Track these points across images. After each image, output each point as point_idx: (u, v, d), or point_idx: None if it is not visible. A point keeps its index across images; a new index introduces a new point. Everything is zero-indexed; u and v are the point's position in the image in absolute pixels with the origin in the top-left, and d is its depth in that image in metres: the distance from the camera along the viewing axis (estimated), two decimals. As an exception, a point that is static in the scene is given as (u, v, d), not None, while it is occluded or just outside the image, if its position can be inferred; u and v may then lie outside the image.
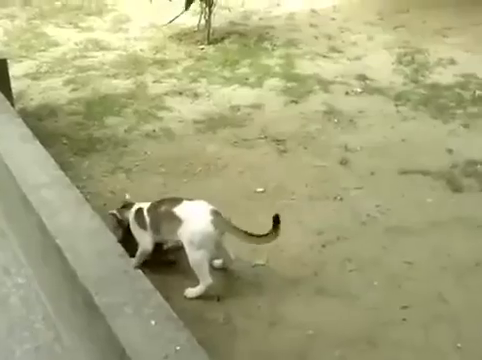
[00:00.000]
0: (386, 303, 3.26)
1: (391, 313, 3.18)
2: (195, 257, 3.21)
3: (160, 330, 2.28)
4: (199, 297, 3.26)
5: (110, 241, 2.76)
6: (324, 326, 3.11)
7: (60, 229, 2.84)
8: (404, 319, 3.14)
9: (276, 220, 3.27)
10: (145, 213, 3.29)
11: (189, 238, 3.19)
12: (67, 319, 2.95)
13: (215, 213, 3.22)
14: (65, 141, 4.94)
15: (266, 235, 3.27)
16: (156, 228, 3.27)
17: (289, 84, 5.92)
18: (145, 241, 3.31)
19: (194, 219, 3.20)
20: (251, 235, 3.26)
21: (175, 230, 3.20)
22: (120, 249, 2.69)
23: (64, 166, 3.44)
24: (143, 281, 2.55)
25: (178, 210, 3.20)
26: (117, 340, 2.25)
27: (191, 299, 3.25)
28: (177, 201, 3.26)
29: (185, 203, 3.25)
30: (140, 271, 2.60)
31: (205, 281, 3.26)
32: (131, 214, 3.37)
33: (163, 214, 3.24)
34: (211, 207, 3.24)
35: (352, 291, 3.35)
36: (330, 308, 3.23)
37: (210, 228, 3.17)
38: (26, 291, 3.33)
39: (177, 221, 3.19)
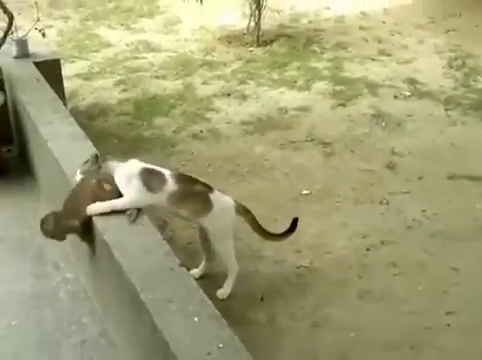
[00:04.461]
0: (431, 308, 3.24)
1: (435, 318, 3.16)
2: (225, 245, 3.25)
3: (203, 327, 2.32)
4: (242, 297, 3.29)
5: (157, 238, 2.81)
6: (367, 329, 3.11)
7: (108, 225, 2.91)
8: (448, 325, 3.12)
9: (294, 224, 3.35)
10: (168, 178, 3.05)
11: (219, 227, 3.20)
12: (113, 314, 3.01)
13: (237, 203, 3.28)
14: (115, 140, 5.04)
15: (278, 235, 3.37)
16: (177, 200, 3.06)
17: (337, 87, 5.90)
18: (142, 201, 2.98)
19: (225, 208, 3.21)
20: (265, 230, 3.34)
21: (200, 214, 3.15)
22: (166, 247, 2.74)
23: (113, 165, 3.50)
24: (188, 279, 2.59)
25: (211, 196, 3.16)
26: (161, 336, 2.30)
27: (226, 299, 3.27)
28: (208, 186, 3.21)
29: (215, 191, 3.21)
30: (185, 269, 2.64)
31: (234, 269, 3.30)
32: (126, 169, 3.05)
33: (195, 192, 3.14)
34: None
35: (396, 295, 3.34)
36: (374, 311, 3.23)
37: (235, 216, 3.24)
38: (74, 286, 3.41)
39: (207, 206, 3.14)
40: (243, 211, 3.30)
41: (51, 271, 3.52)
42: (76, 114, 4.26)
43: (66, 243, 3.51)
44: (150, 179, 3.01)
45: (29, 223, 3.89)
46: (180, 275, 2.59)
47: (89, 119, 5.39)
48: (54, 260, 3.60)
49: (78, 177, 2.98)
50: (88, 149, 3.63)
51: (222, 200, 3.23)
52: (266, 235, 3.38)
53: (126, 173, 3.01)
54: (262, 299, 3.32)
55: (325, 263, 3.58)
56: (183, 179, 3.14)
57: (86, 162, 3.07)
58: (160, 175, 3.05)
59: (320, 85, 5.98)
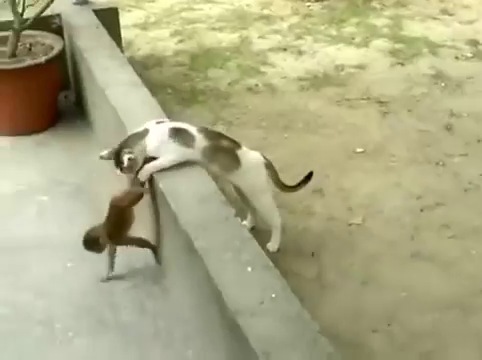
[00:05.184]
0: (483, 272, 3.20)
1: (488, 282, 3.12)
2: (262, 201, 3.23)
3: (256, 277, 2.33)
4: (292, 251, 3.30)
5: (212, 188, 2.82)
6: (417, 290, 3.08)
7: (163, 173, 2.93)
8: (501, 290, 3.08)
9: (308, 177, 3.33)
10: (196, 133, 3.03)
11: (250, 184, 3.18)
12: (166, 261, 3.05)
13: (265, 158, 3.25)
14: (169, 91, 5.05)
15: (292, 186, 3.35)
16: (209, 156, 3.03)
17: (396, 45, 5.77)
18: (180, 158, 2.99)
19: (253, 164, 3.17)
20: (284, 184, 3.32)
21: (229, 170, 3.11)
22: (222, 196, 2.75)
23: (168, 115, 3.50)
24: (242, 229, 2.61)
25: (239, 152, 3.12)
26: (214, 284, 2.32)
27: (277, 251, 3.28)
28: (235, 142, 3.16)
29: (243, 148, 3.17)
30: (239, 219, 2.66)
31: (278, 222, 3.29)
32: (156, 134, 3.01)
33: (224, 148, 3.10)
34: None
35: (448, 258, 3.30)
36: (425, 273, 3.20)
37: (265, 172, 3.21)
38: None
39: (235, 162, 3.10)
40: (268, 165, 3.25)
41: (105, 216, 3.58)
42: (132, 64, 4.25)
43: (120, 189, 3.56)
44: (181, 137, 3.01)
45: (84, 168, 3.97)
46: (235, 225, 2.60)
47: (144, 69, 5.40)
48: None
49: (126, 158, 2.96)
50: (145, 97, 3.66)
51: (250, 156, 3.18)
52: (288, 188, 3.36)
53: (158, 136, 3.01)
54: (313, 255, 3.32)
55: (377, 222, 3.55)
56: (211, 134, 3.12)
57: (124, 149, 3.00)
58: (188, 132, 3.04)
59: (379, 43, 5.86)
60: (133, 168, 2.95)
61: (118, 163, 2.97)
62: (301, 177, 3.36)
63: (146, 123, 3.09)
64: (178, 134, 3.00)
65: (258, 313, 2.17)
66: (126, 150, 2.94)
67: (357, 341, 2.80)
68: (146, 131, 3.01)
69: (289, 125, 4.53)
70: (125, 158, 2.91)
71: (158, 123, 3.11)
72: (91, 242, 3.03)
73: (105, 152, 3.06)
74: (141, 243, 3.13)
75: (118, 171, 2.99)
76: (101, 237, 3.01)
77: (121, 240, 3.06)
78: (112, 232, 3.01)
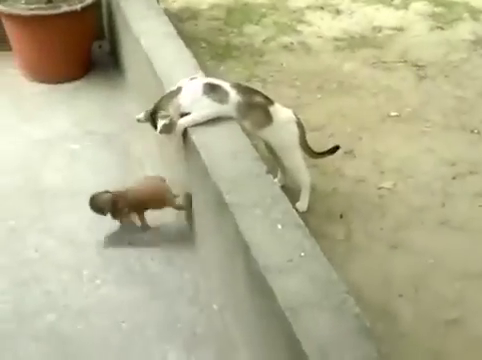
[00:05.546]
0: (514, 243, 3.15)
1: (518, 253, 3.08)
2: (292, 159, 3.22)
3: (286, 235, 2.31)
4: (321, 212, 3.28)
5: (245, 143, 2.80)
6: (446, 257, 3.05)
7: (196, 127, 2.91)
8: None
9: (333, 150, 3.32)
10: (229, 89, 3.00)
11: (281, 141, 3.16)
12: (197, 213, 3.05)
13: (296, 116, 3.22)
14: (203, 45, 5.00)
15: (315, 152, 3.31)
16: (242, 112, 3.00)
17: (436, 9, 5.64)
18: (210, 110, 2.96)
19: (285, 121, 3.14)
20: (310, 148, 3.28)
21: (261, 126, 3.08)
22: (254, 153, 2.73)
23: (201, 69, 3.47)
24: (273, 186, 2.58)
25: (271, 109, 3.09)
26: (243, 239, 2.30)
27: (306, 211, 3.25)
28: (268, 98, 3.12)
29: (275, 104, 3.13)
30: (271, 176, 2.63)
31: (307, 181, 3.27)
32: (190, 90, 2.98)
33: (257, 104, 3.06)
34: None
35: (478, 227, 3.25)
36: (454, 240, 3.16)
37: (296, 129, 3.18)
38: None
39: (267, 119, 3.07)
40: (299, 124, 3.21)
41: (135, 167, 3.58)
42: (166, 16, 4.22)
43: (152, 141, 3.56)
44: (215, 92, 2.97)
45: (117, 118, 3.97)
46: (266, 181, 2.57)
47: (179, 22, 5.33)
48: (139, 156, 3.66)
49: (160, 124, 2.93)
50: (180, 49, 3.62)
51: (282, 113, 3.14)
52: (311, 153, 3.31)
53: (192, 92, 2.97)
54: (341, 216, 3.29)
55: (408, 187, 3.51)
56: (244, 90, 3.07)
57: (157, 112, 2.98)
58: (222, 87, 3.00)
59: (418, 5, 5.72)
60: (171, 129, 2.93)
61: (155, 125, 2.96)
62: (330, 143, 3.35)
63: (180, 81, 3.06)
64: (212, 90, 2.97)
65: (286, 270, 2.15)
66: (161, 113, 2.92)
67: (383, 305, 2.79)
68: (179, 89, 2.98)
69: (323, 85, 4.47)
70: (159, 124, 2.89)
71: (192, 79, 3.08)
72: (96, 208, 3.09)
73: (141, 115, 3.03)
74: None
75: (156, 132, 2.97)
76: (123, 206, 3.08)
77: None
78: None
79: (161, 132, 2.92)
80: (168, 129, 2.92)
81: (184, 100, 2.95)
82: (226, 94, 2.97)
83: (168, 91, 3.03)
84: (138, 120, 3.05)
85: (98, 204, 3.07)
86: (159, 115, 2.92)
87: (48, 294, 2.82)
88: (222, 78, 3.17)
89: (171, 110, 2.92)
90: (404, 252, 3.09)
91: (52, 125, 3.97)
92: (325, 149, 3.35)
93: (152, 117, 2.97)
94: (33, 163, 3.64)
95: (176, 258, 3.00)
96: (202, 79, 3.11)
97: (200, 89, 2.96)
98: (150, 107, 2.99)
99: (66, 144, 3.80)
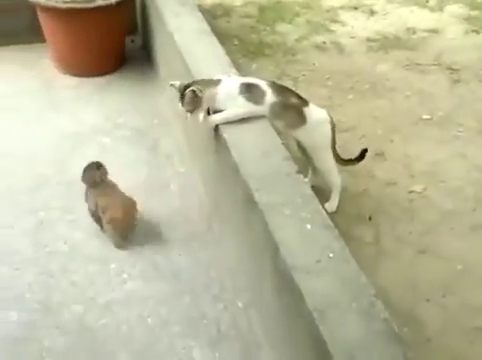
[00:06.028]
0: None
1: None
2: (323, 160, 3.20)
3: (315, 235, 2.30)
4: (350, 214, 3.25)
5: (276, 142, 2.79)
6: (475, 263, 3.01)
7: (228, 124, 2.90)
8: None
9: (362, 155, 3.27)
10: (266, 89, 2.98)
11: (314, 141, 3.14)
12: (223, 212, 3.05)
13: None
14: (236, 42, 4.99)
15: (343, 159, 3.28)
16: (277, 112, 2.99)
17: (473, 12, 5.56)
18: (244, 110, 2.95)
19: (319, 122, 3.12)
20: (337, 152, 3.24)
21: (294, 127, 3.06)
22: (285, 152, 2.71)
23: (233, 66, 3.47)
24: (304, 186, 2.57)
25: (305, 109, 3.06)
26: (272, 238, 2.29)
27: (335, 211, 3.23)
28: (303, 99, 3.10)
29: (310, 105, 3.10)
30: (302, 176, 2.62)
31: (337, 182, 3.25)
32: (227, 87, 2.97)
33: (292, 105, 3.05)
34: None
35: (510, 234, 3.21)
36: (484, 247, 3.13)
37: (330, 130, 3.16)
38: (186, 180, 3.46)
39: (301, 119, 3.05)
40: (332, 126, 3.19)
41: (164, 163, 3.59)
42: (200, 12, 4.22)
43: (180, 137, 3.56)
44: (252, 93, 2.95)
45: (147, 113, 3.98)
46: (297, 181, 2.56)
47: (212, 18, 5.33)
48: (168, 152, 3.66)
49: (189, 90, 2.90)
50: (213, 46, 3.62)
51: (316, 114, 3.12)
52: (338, 159, 3.26)
53: (228, 90, 2.95)
54: (370, 218, 3.27)
55: (439, 191, 3.47)
56: (280, 90, 3.05)
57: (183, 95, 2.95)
58: (259, 87, 2.98)
59: (454, 8, 5.66)
60: (194, 105, 2.90)
61: (182, 96, 2.93)
62: (361, 145, 3.31)
63: (218, 75, 3.05)
64: (248, 90, 2.96)
65: (314, 271, 2.14)
66: (196, 86, 2.90)
67: (410, 309, 2.76)
68: (219, 81, 2.98)
69: (355, 86, 4.44)
70: (188, 91, 2.87)
71: (230, 76, 3.07)
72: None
73: (177, 82, 3.00)
74: None
75: (179, 105, 2.95)
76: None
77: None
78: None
79: (185, 105, 2.90)
80: (193, 102, 2.89)
81: (220, 95, 2.94)
82: (262, 94, 2.95)
83: (208, 78, 3.02)
84: (171, 85, 3.03)
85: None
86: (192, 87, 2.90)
87: (75, 286, 2.84)
88: (254, 76, 3.16)
89: (206, 93, 2.91)
90: (432, 257, 3.05)
91: (83, 118, 3.99)
92: (352, 156, 3.31)
93: (184, 89, 2.93)
94: (63, 155, 3.66)
95: (202, 254, 3.00)
96: (240, 78, 3.11)
97: (237, 87, 2.95)
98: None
99: (97, 137, 3.82)
